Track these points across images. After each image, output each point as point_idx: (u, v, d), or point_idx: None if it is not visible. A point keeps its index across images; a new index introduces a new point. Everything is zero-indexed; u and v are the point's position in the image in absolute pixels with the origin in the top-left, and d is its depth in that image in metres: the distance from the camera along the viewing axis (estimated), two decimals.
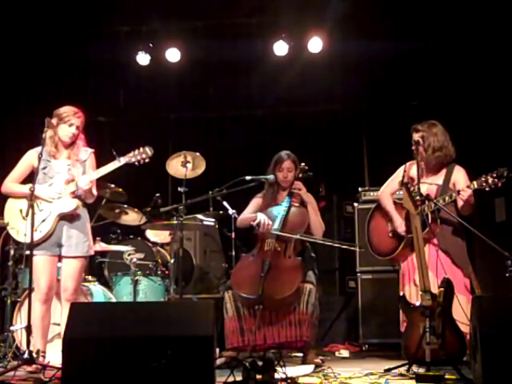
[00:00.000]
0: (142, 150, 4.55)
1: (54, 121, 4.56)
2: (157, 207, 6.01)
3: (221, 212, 6.50)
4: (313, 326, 4.68)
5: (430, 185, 4.72)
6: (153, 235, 6.44)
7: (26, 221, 4.25)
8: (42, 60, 7.03)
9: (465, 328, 4.10)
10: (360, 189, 6.27)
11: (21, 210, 4.41)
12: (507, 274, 4.26)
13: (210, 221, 6.42)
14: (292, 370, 4.11)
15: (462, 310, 4.17)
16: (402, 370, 4.08)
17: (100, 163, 4.63)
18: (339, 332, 6.47)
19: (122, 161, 4.52)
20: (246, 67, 7.08)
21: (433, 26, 6.43)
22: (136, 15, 6.74)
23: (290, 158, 5.08)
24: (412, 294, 4.55)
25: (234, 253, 6.20)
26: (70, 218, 4.52)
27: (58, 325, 4.66)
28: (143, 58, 6.99)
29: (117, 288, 5.73)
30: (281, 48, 6.80)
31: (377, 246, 4.96)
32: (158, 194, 6.21)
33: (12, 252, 5.41)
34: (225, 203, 6.24)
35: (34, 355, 4.18)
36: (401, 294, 4.48)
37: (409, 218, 4.38)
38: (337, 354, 5.71)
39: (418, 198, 4.19)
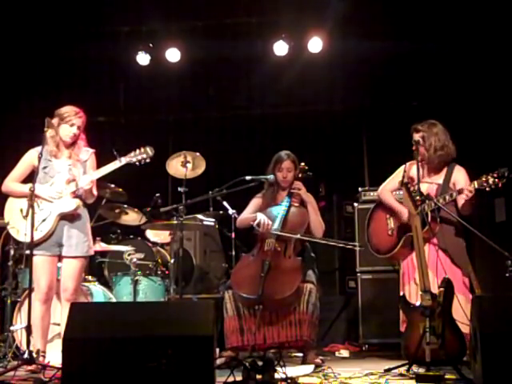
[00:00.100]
0: (142, 149, 4.55)
1: (55, 121, 4.56)
2: (157, 207, 6.01)
3: (221, 212, 6.49)
4: (313, 325, 4.67)
5: (430, 184, 4.72)
6: (153, 235, 6.44)
7: (26, 220, 4.25)
8: (42, 60, 7.04)
9: (465, 328, 4.09)
10: (360, 189, 6.26)
11: (21, 210, 4.41)
12: (507, 274, 4.27)
13: (210, 221, 6.42)
14: (292, 370, 4.10)
15: (462, 311, 4.17)
16: (402, 370, 4.07)
17: (100, 163, 4.63)
18: (339, 332, 6.45)
19: (123, 161, 4.52)
20: (246, 67, 7.09)
21: (433, 26, 6.44)
22: (136, 15, 6.75)
23: (289, 157, 5.07)
24: (412, 293, 4.55)
25: (234, 253, 6.19)
26: (70, 217, 4.52)
27: (58, 325, 4.65)
28: (143, 58, 6.99)
29: (117, 288, 5.73)
30: (281, 48, 6.81)
31: (376, 244, 4.95)
32: (158, 194, 6.20)
33: (12, 252, 5.41)
34: (225, 203, 6.23)
35: (34, 355, 4.18)
36: (401, 293, 4.47)
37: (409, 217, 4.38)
38: (337, 354, 5.70)
39: (417, 198, 4.20)
